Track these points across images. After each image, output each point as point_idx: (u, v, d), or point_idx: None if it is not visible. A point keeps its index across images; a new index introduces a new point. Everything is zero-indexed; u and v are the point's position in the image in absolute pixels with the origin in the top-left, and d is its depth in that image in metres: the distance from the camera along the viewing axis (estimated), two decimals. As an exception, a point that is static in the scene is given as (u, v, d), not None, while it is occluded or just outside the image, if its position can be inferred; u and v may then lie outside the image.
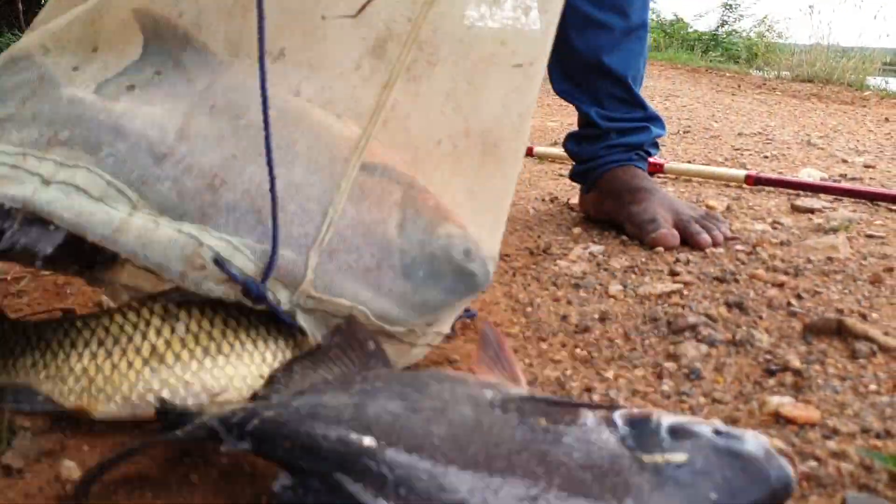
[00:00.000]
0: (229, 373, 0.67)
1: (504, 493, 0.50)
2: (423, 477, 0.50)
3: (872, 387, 0.76)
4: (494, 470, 0.51)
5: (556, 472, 0.51)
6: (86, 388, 0.67)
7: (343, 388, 0.58)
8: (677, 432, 0.55)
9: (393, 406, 0.55)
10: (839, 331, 0.87)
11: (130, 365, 0.68)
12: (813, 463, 0.64)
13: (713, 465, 0.52)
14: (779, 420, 0.71)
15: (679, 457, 0.53)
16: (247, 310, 0.68)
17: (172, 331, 0.69)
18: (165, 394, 0.65)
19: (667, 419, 0.56)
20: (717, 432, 0.55)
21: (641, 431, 0.55)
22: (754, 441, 0.54)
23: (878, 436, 0.67)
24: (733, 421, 0.71)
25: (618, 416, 0.57)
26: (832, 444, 0.66)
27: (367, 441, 0.51)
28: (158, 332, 0.69)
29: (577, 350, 0.88)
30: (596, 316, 0.98)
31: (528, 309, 1.01)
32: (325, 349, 0.64)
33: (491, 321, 0.96)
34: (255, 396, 0.63)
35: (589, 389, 0.78)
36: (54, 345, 0.70)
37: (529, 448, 0.53)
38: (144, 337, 0.69)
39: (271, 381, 0.62)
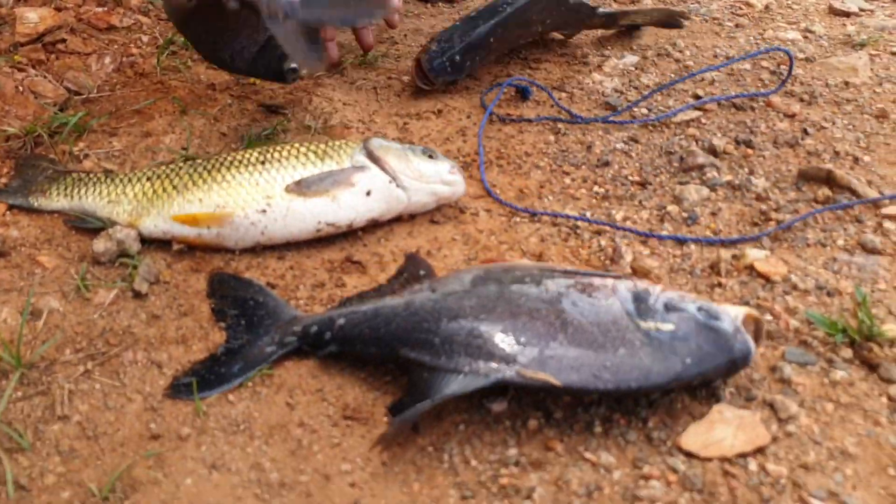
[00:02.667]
0: (232, 194, 0.89)
1: (525, 336, 0.68)
2: (461, 333, 0.68)
3: (840, 241, 0.90)
4: (518, 322, 0.69)
5: (569, 324, 0.68)
6: (135, 208, 0.90)
7: (393, 294, 0.75)
8: (669, 307, 0.71)
9: (432, 296, 0.72)
10: (828, 179, 0.99)
11: (164, 190, 0.90)
12: (769, 317, 0.80)
13: (692, 335, 0.69)
14: (752, 273, 0.86)
15: (667, 326, 0.69)
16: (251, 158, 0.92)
17: (193, 169, 0.92)
18: (187, 209, 0.88)
19: (664, 295, 0.72)
20: (700, 309, 0.70)
21: (642, 303, 0.71)
22: (728, 319, 0.70)
23: (828, 294, 0.83)
24: (715, 269, 0.87)
25: (624, 288, 0.72)
26: (789, 300, 0.82)
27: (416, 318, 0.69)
28: (185, 172, 0.92)
29: (596, 187, 1.02)
30: (618, 147, 1.10)
31: (559, 136, 1.13)
32: (392, 281, 0.84)
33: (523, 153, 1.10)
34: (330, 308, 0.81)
35: (599, 233, 0.93)
36: (113, 180, 0.93)
37: (548, 307, 0.70)
38: (176, 174, 0.92)
39: (344, 302, 0.81)
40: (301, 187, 0.89)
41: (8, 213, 0.92)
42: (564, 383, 0.65)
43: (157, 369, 0.75)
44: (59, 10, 1.27)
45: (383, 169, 0.92)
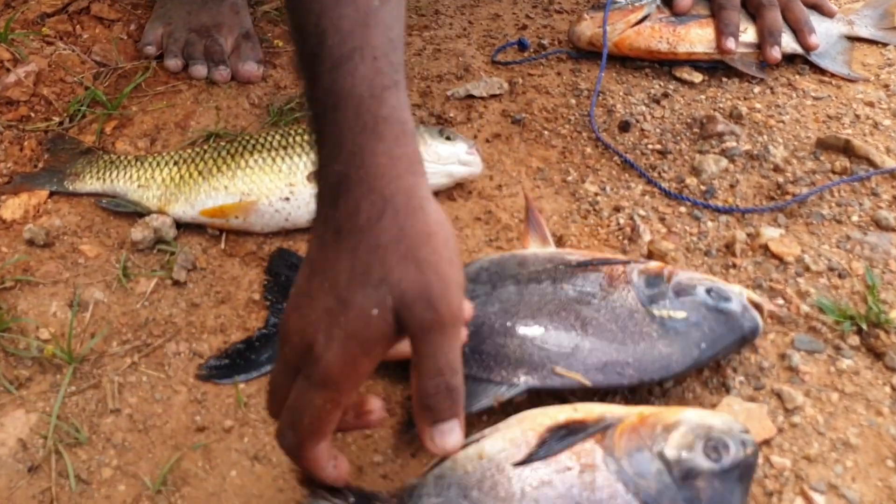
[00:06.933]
0: (256, 181, 0.92)
1: (549, 342, 0.72)
2: (488, 342, 0.72)
3: (854, 217, 0.92)
4: (540, 327, 0.72)
5: (589, 324, 0.72)
6: (164, 193, 0.93)
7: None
8: (680, 291, 0.74)
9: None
10: (846, 149, 1.00)
11: (191, 176, 0.93)
12: (780, 301, 0.83)
13: (703, 319, 0.73)
14: (766, 253, 0.88)
15: (680, 314, 0.73)
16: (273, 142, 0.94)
17: (217, 153, 0.95)
18: (214, 197, 0.92)
19: (674, 279, 0.75)
20: (709, 291, 0.74)
21: (653, 289, 0.74)
22: (736, 300, 0.74)
23: (840, 275, 0.85)
24: (730, 249, 0.89)
25: (635, 274, 0.76)
26: (801, 282, 0.85)
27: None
28: (210, 157, 0.95)
29: (615, 158, 1.04)
30: (639, 109, 1.11)
31: (580, 99, 1.14)
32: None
33: (546, 109, 1.11)
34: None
35: (617, 209, 0.96)
36: (142, 163, 0.97)
37: (567, 308, 0.74)
38: (201, 158, 0.95)
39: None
40: (324, 175, 0.92)
41: (49, 200, 0.96)
42: (592, 383, 0.69)
43: (199, 360, 0.81)
44: (81, -27, 1.28)
45: (402, 152, 0.94)
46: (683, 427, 0.62)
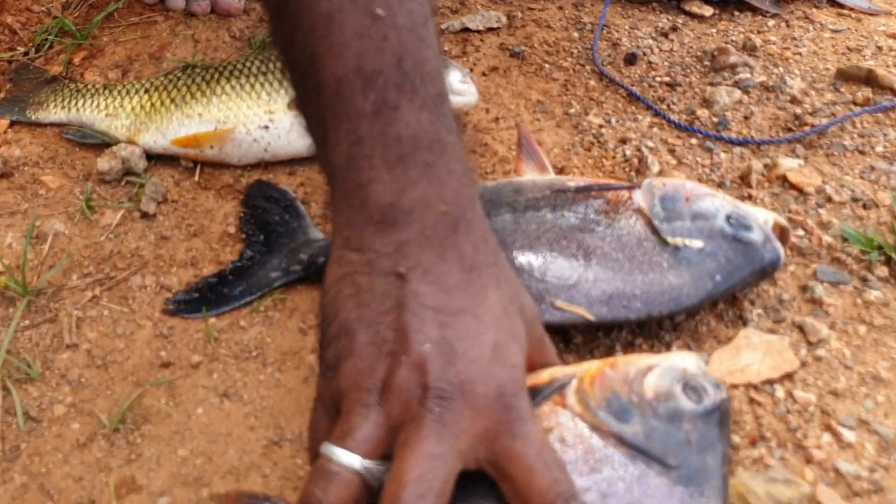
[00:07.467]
0: (233, 108, 0.85)
1: (549, 273, 0.65)
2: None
3: (879, 148, 0.85)
4: (539, 257, 0.65)
5: (593, 253, 0.65)
6: (133, 122, 0.86)
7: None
8: (697, 215, 0.67)
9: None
10: (868, 79, 0.93)
11: (163, 104, 0.86)
12: (801, 232, 0.76)
13: (721, 250, 0.65)
14: (784, 184, 0.81)
15: (696, 243, 0.66)
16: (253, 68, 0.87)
17: (192, 80, 0.87)
18: (187, 125, 0.85)
19: (693, 200, 0.68)
20: (730, 218, 0.66)
21: (670, 210, 0.67)
22: (757, 228, 0.66)
23: (864, 206, 0.78)
24: (745, 180, 0.82)
25: (651, 190, 0.68)
26: (823, 213, 0.78)
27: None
28: (183, 84, 0.87)
29: (621, 91, 0.96)
30: (646, 42, 1.04)
31: (583, 33, 1.07)
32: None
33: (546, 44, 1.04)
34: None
35: (624, 141, 0.88)
36: (111, 91, 0.89)
37: (568, 236, 0.67)
38: (174, 85, 0.87)
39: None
40: (308, 100, 0.85)
41: (10, 130, 0.89)
42: (596, 317, 0.63)
43: (166, 294, 0.74)
44: None
45: (392, 78, 0.87)
46: (658, 370, 0.54)
